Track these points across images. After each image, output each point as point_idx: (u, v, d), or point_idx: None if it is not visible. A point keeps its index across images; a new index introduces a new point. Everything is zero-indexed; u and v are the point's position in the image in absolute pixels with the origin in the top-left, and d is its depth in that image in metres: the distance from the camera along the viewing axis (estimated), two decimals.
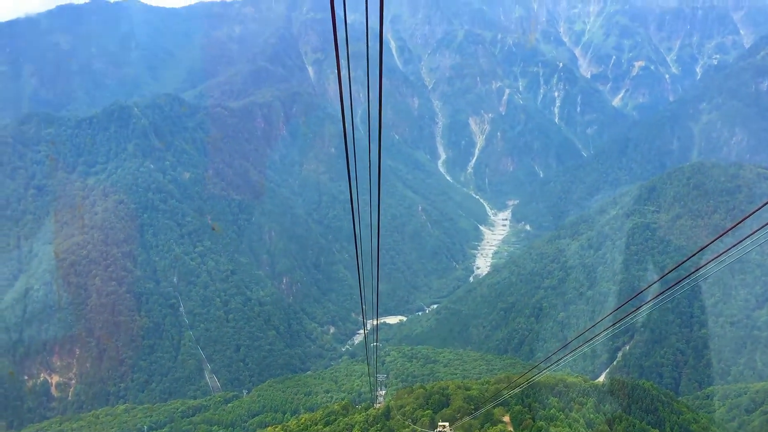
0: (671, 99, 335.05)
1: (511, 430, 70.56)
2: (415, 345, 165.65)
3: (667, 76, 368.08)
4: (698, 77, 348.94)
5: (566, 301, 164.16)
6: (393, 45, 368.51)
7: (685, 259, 18.07)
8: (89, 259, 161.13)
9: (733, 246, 16.14)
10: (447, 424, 42.01)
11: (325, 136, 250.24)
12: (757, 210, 15.35)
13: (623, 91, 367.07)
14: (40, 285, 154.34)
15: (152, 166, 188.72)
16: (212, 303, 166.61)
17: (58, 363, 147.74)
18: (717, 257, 17.24)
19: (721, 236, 15.30)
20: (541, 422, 69.29)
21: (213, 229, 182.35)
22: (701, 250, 17.26)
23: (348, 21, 9.71)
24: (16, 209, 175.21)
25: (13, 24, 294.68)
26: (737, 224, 15.33)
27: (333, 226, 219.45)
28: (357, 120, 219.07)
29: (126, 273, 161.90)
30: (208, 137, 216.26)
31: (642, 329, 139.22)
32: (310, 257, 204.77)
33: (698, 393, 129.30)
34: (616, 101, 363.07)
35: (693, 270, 18.16)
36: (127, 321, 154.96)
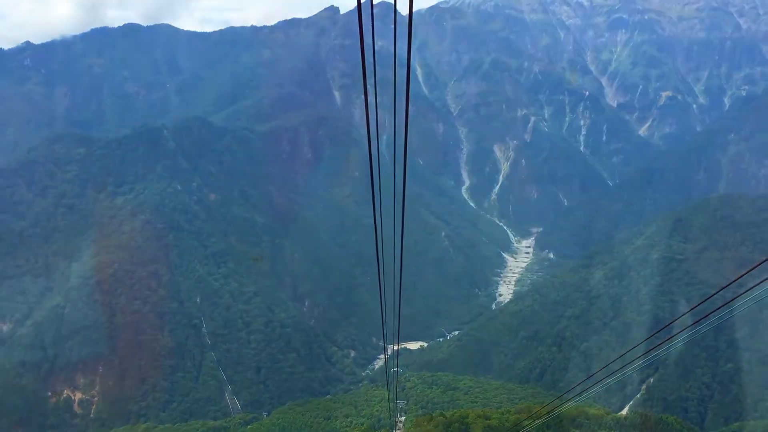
0: (698, 129, 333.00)
1: None
2: (436, 371, 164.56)
3: (694, 106, 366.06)
4: (726, 108, 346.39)
5: (590, 331, 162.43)
6: (419, 71, 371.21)
7: (713, 293, 18.11)
8: (115, 278, 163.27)
9: (763, 281, 16.20)
10: None
11: (350, 160, 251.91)
12: None
13: (650, 120, 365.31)
14: (66, 303, 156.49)
15: (179, 187, 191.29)
16: (234, 324, 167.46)
17: (82, 380, 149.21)
18: (746, 291, 17.30)
19: (750, 271, 15.40)
20: None
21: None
22: (730, 284, 17.31)
23: (376, 47, 9.73)
24: (45, 227, 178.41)
25: (48, 46, 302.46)
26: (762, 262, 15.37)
27: (356, 250, 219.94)
28: (382, 146, 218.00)
29: (150, 292, 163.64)
30: (235, 160, 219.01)
31: (667, 362, 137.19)
32: (333, 281, 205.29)
33: (724, 429, 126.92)
34: (643, 131, 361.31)
35: (720, 305, 18.23)
36: (150, 340, 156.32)
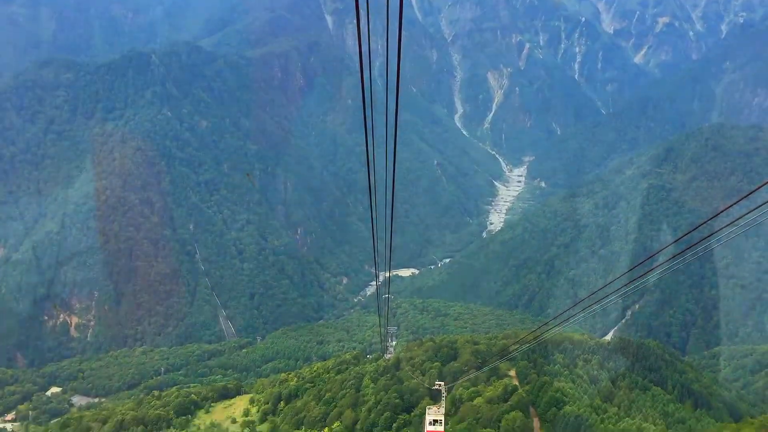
0: (694, 57, 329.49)
1: (517, 383, 72.40)
2: (427, 298, 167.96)
3: (691, 33, 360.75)
4: (723, 35, 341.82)
5: (578, 259, 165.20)
6: None
7: (699, 224, 18.51)
8: (108, 204, 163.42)
9: (750, 212, 16.47)
10: (443, 383, 43.35)
11: (342, 87, 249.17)
12: None
13: (646, 47, 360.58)
14: (60, 229, 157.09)
15: (170, 114, 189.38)
16: (228, 251, 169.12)
17: (77, 305, 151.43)
18: (732, 222, 17.59)
19: (738, 201, 15.74)
20: (545, 377, 71.02)
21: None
22: (715, 216, 17.63)
23: None
24: (36, 153, 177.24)
25: None
26: (756, 189, 15.51)
27: (348, 178, 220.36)
28: (375, 72, 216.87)
29: (143, 219, 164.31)
30: (226, 86, 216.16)
31: (652, 289, 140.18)
32: (325, 209, 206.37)
33: (705, 353, 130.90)
34: (638, 58, 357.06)
35: (707, 234, 18.73)
36: (145, 266, 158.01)
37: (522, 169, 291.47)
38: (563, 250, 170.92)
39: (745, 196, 15.40)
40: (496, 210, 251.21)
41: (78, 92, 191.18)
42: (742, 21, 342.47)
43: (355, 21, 8.96)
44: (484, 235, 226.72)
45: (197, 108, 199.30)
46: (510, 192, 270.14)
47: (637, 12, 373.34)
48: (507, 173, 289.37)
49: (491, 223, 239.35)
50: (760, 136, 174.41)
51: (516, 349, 68.69)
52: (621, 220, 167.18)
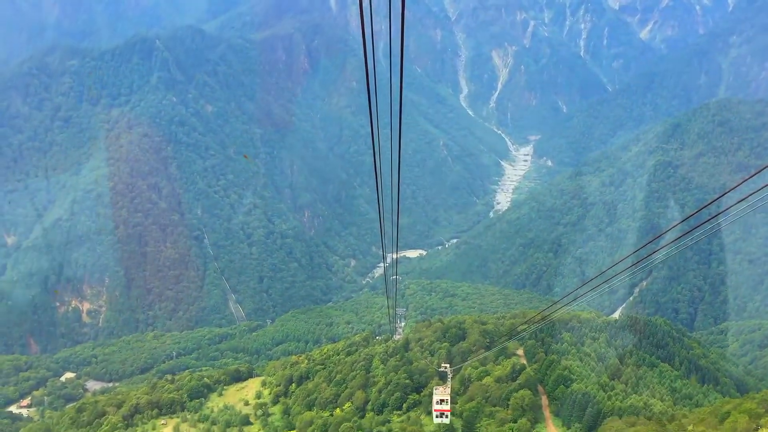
0: (701, 32, 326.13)
1: (525, 362, 73.07)
2: (435, 279, 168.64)
3: (697, 7, 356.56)
4: (730, 9, 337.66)
5: (585, 238, 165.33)
6: None
7: (708, 203, 18.67)
8: (116, 190, 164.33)
9: (760, 189, 16.61)
10: (448, 365, 44.39)
11: (347, 69, 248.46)
12: None
13: (652, 23, 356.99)
14: (69, 215, 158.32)
15: (175, 99, 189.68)
16: (236, 235, 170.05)
17: (89, 291, 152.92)
18: (741, 200, 17.72)
19: (747, 180, 15.88)
20: (553, 356, 71.66)
21: (244, 157, 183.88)
22: (724, 194, 17.70)
23: None
24: (43, 141, 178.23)
25: None
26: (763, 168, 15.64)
27: (354, 160, 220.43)
28: (379, 53, 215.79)
29: (151, 205, 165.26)
30: (230, 70, 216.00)
31: (660, 266, 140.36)
32: (332, 191, 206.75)
33: (713, 329, 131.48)
34: (644, 34, 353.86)
35: (716, 213, 18.94)
36: (154, 252, 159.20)
37: (528, 147, 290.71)
38: (570, 228, 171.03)
39: (753, 174, 15.53)
40: (502, 189, 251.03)
41: (83, 78, 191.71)
42: None
43: (358, 2, 8.83)
44: (491, 215, 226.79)
45: (202, 92, 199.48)
46: (516, 171, 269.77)
47: None
48: (513, 152, 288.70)
49: (498, 203, 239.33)
50: (766, 111, 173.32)
51: (524, 330, 69.31)
52: (628, 197, 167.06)
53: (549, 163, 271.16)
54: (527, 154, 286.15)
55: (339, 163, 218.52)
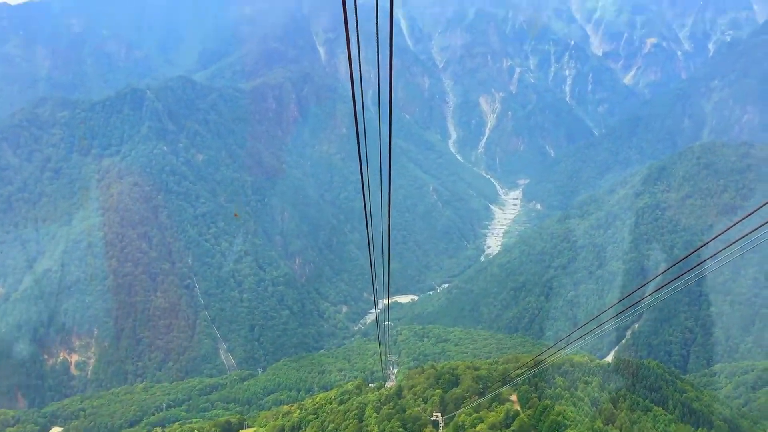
0: (683, 76, 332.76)
1: (518, 408, 72.71)
2: (427, 324, 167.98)
3: (679, 53, 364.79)
4: (711, 54, 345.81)
5: (576, 281, 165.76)
6: (403, 24, 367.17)
7: (695, 249, 19.13)
8: (106, 240, 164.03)
9: (747, 235, 17.17)
10: (440, 414, 44.36)
11: (336, 116, 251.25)
12: None
13: (635, 68, 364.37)
14: (59, 266, 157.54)
15: (166, 148, 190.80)
16: (227, 283, 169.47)
17: (77, 343, 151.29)
18: (729, 246, 18.30)
19: (733, 226, 16.46)
20: (546, 401, 71.36)
21: (235, 216, 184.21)
22: (711, 240, 18.16)
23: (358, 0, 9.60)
24: (33, 192, 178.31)
25: (26, 7, 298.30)
26: (750, 214, 16.20)
27: (345, 206, 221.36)
28: (368, 101, 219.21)
29: (141, 254, 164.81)
30: (221, 119, 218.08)
31: (651, 308, 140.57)
32: (323, 238, 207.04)
33: (706, 371, 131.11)
34: (628, 79, 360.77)
35: (706, 258, 19.42)
36: (144, 301, 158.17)
37: (517, 192, 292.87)
38: (561, 271, 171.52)
39: (741, 219, 16.06)
40: (492, 234, 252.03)
41: (74, 129, 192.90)
42: (729, 39, 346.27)
43: (346, 50, 9.13)
44: (482, 259, 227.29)
45: (193, 141, 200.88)
46: (506, 215, 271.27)
47: (625, 34, 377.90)
48: (502, 196, 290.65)
49: (488, 247, 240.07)
50: (751, 152, 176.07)
51: (517, 375, 69.20)
52: (617, 239, 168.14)
53: (538, 206, 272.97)
54: (516, 198, 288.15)
55: (330, 209, 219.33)
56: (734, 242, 18.37)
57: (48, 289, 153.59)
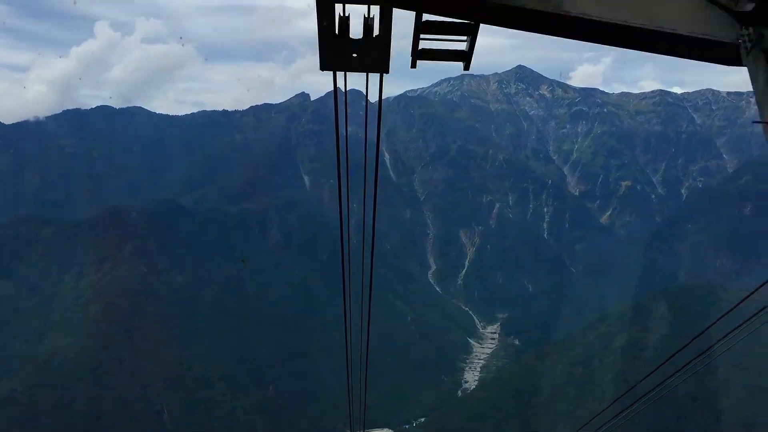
0: (657, 219, 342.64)
1: None
2: None
3: (653, 196, 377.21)
4: (683, 198, 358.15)
5: (556, 419, 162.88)
6: (387, 157, 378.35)
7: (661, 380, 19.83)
8: (76, 362, 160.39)
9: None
10: None
11: (318, 243, 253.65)
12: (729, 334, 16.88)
13: (611, 209, 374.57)
14: (24, 388, 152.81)
15: (145, 269, 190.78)
16: (197, 410, 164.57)
17: None
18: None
19: (693, 359, 17.26)
20: None
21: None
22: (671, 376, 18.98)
23: (345, 133, 9.66)
24: (7, 310, 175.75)
25: (20, 126, 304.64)
26: (705, 352, 17.05)
27: (322, 335, 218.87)
28: (351, 230, 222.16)
29: (111, 377, 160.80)
30: (203, 242, 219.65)
31: None
32: (298, 365, 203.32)
33: None
34: (604, 219, 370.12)
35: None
36: (110, 427, 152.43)
37: (496, 326, 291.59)
38: (541, 409, 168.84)
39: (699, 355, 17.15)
40: (470, 368, 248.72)
41: (56, 247, 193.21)
42: (700, 185, 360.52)
43: (330, 180, 9.74)
44: (459, 393, 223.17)
45: (175, 263, 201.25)
46: (484, 349, 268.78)
47: (601, 176, 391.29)
48: (481, 330, 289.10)
49: (466, 381, 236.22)
50: (725, 296, 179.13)
51: None
52: (597, 378, 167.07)
53: (516, 341, 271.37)
54: (494, 332, 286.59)
55: (306, 337, 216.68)
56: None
57: (11, 413, 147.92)
